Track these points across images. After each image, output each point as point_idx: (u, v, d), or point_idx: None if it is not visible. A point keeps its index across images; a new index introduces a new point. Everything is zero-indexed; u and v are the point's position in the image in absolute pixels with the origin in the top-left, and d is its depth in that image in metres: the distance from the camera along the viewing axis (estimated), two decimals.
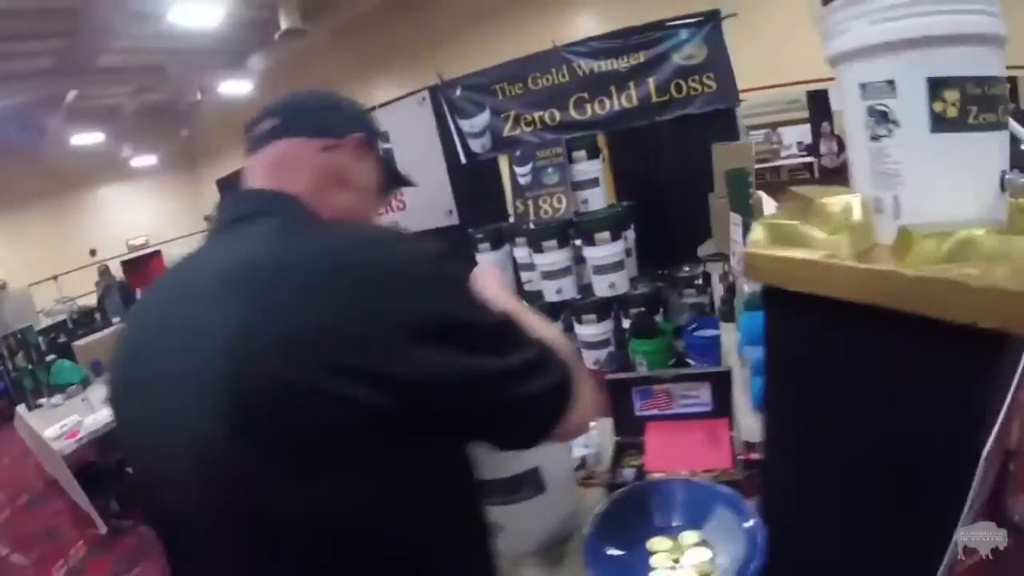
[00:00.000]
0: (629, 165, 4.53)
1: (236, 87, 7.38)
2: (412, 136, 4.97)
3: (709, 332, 3.82)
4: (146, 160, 9.60)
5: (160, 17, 5.65)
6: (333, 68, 6.92)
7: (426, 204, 5.14)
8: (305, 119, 0.94)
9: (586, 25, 4.58)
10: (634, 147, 4.58)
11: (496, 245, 4.58)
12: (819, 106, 9.03)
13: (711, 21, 4.18)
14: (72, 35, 6.34)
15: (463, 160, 4.93)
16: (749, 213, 3.66)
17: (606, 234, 4.00)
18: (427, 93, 4.87)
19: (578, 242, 4.17)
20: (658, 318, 4.16)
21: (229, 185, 5.77)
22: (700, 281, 4.33)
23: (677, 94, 4.34)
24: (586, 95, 4.45)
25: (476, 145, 4.85)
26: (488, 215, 4.83)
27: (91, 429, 4.58)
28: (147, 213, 9.75)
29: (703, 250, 4.53)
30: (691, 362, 3.81)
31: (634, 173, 4.55)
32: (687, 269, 4.41)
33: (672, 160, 4.60)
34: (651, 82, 4.32)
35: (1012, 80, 8.34)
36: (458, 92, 4.70)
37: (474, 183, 5.04)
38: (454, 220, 5.16)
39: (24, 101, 7.85)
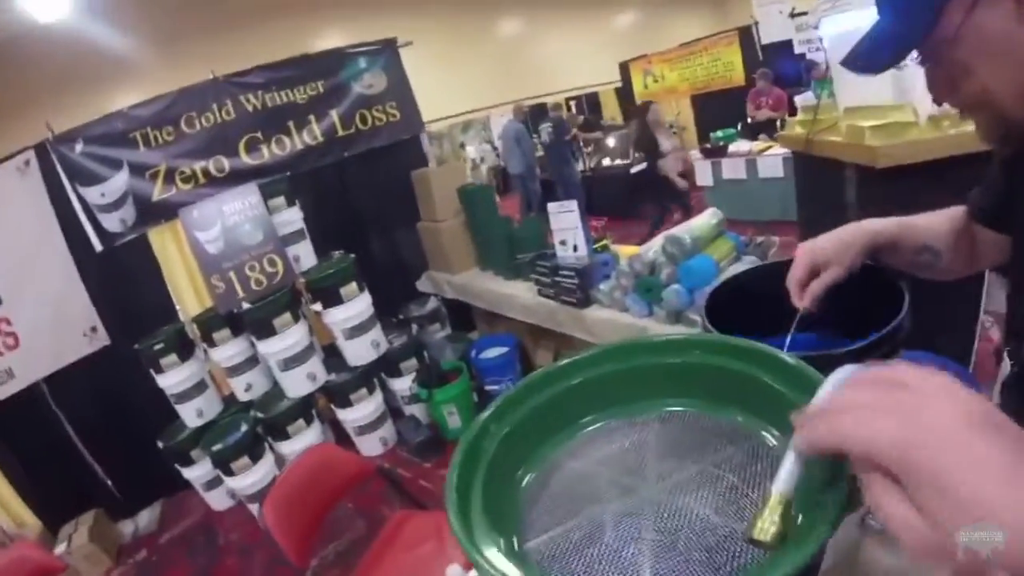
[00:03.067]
0: (321, 210, 4.04)
1: None
2: (12, 223, 3.45)
3: (497, 350, 3.74)
4: None
5: None
6: None
7: (52, 326, 3.59)
8: None
9: (251, 54, 3.88)
10: (322, 189, 4.13)
11: (186, 355, 3.50)
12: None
13: (388, 49, 4.05)
14: None
15: (97, 246, 3.61)
16: (495, 222, 3.66)
17: (353, 287, 3.48)
18: (32, 155, 3.40)
19: (316, 307, 3.48)
20: None
21: None
22: (443, 311, 4.32)
23: (363, 126, 4.13)
24: (259, 134, 3.83)
25: (112, 222, 3.65)
26: (149, 321, 3.66)
27: None
28: None
29: (423, 284, 4.36)
30: (494, 387, 3.66)
31: (327, 217, 4.08)
32: (417, 307, 4.32)
33: (366, 196, 4.32)
34: (334, 114, 3.98)
35: (594, 96, 10.40)
36: (79, 148, 3.45)
37: (118, 278, 3.75)
38: (102, 340, 3.73)
39: None
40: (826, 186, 2.76)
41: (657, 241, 2.75)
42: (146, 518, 3.92)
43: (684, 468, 0.65)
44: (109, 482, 3.90)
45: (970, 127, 0.96)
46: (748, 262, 2.57)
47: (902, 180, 2.23)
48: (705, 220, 2.68)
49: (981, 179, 0.91)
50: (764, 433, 0.66)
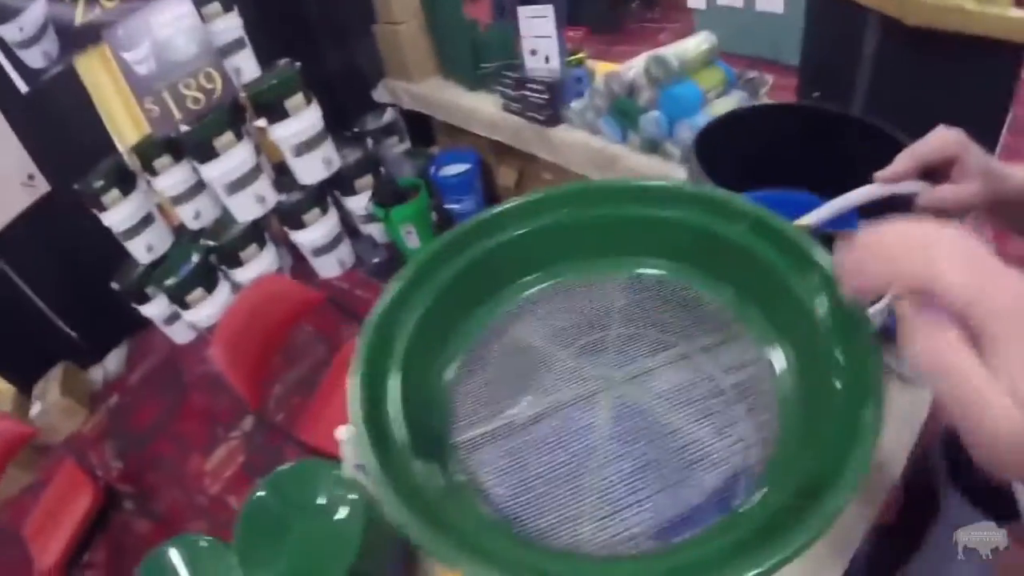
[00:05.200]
0: (264, 13, 3.80)
1: None
2: None
3: (459, 167, 3.62)
4: None
5: None
6: None
7: None
8: None
9: None
10: None
11: (128, 188, 3.43)
12: None
13: None
14: None
15: (22, 88, 3.47)
16: (459, 25, 3.46)
17: (299, 99, 3.31)
18: None
19: (261, 123, 3.36)
20: None
21: None
22: (401, 123, 4.10)
23: None
24: None
25: (34, 57, 3.50)
26: (89, 159, 3.57)
27: None
28: None
29: (379, 94, 4.20)
30: (454, 207, 3.55)
31: (272, 22, 3.85)
32: (373, 119, 4.09)
33: None
34: None
35: None
36: None
37: (51, 118, 3.63)
38: (41, 188, 3.65)
39: None
40: (840, 33, 2.38)
41: (639, 60, 2.53)
42: (114, 361, 3.98)
43: (654, 353, 0.59)
44: (73, 333, 3.92)
45: None
46: (736, 97, 2.39)
47: (934, 48, 1.85)
48: (696, 43, 2.41)
49: None
50: (757, 321, 0.58)
